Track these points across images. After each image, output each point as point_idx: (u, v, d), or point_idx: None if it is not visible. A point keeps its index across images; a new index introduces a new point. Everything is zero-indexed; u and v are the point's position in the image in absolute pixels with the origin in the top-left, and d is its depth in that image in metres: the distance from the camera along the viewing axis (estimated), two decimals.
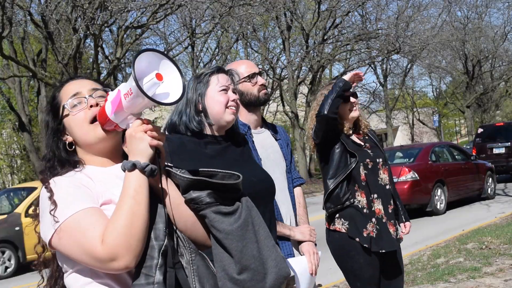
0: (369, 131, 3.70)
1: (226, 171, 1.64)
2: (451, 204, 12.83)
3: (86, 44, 20.58)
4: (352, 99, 3.53)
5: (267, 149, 2.98)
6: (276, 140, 3.08)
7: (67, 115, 1.66)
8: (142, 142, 1.51)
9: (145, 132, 1.52)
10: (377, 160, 3.51)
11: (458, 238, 8.56)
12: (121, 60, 18.69)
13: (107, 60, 21.78)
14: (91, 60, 21.60)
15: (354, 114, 3.55)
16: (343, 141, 3.47)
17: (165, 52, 1.54)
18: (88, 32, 14.95)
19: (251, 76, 2.95)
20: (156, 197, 1.55)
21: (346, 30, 24.28)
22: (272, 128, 3.15)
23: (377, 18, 24.35)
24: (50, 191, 1.55)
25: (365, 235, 3.37)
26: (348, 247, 3.42)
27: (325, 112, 3.34)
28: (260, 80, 2.97)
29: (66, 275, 1.61)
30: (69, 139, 1.68)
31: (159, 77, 1.48)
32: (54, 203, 1.52)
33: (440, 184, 12.38)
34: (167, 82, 1.51)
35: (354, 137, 3.58)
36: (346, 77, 3.43)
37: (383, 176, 3.51)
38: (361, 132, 3.64)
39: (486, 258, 6.75)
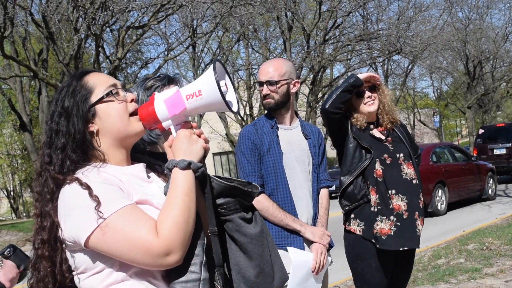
0: (397, 126, 3.53)
1: (241, 180, 1.70)
2: (452, 205, 12.83)
3: (87, 44, 20.58)
4: (367, 93, 3.41)
5: (292, 145, 3.10)
6: (306, 138, 3.17)
7: (107, 101, 1.62)
8: (197, 144, 1.56)
9: (198, 135, 1.58)
10: (397, 155, 3.38)
11: (459, 239, 8.56)
12: (122, 60, 18.69)
13: (108, 60, 21.77)
14: (92, 60, 21.60)
15: (370, 108, 3.42)
16: (355, 136, 3.36)
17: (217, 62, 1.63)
18: (89, 32, 14.94)
19: (258, 85, 3.14)
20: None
21: (347, 31, 24.24)
22: (305, 126, 3.25)
23: (378, 19, 24.31)
24: (87, 187, 1.50)
25: (377, 234, 3.27)
26: (361, 250, 3.32)
27: (326, 107, 3.31)
28: (264, 90, 3.09)
29: (83, 278, 1.55)
30: (94, 127, 1.62)
31: (226, 86, 1.60)
32: (96, 198, 1.47)
33: (440, 185, 12.38)
34: (229, 93, 1.62)
35: (375, 131, 3.46)
36: (362, 75, 3.37)
37: (408, 170, 3.37)
38: (383, 126, 3.49)
39: (487, 259, 6.75)
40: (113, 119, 1.62)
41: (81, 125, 1.59)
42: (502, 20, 41.40)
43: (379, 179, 3.31)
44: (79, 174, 1.55)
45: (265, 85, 3.07)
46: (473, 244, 7.82)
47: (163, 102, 1.58)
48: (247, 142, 3.02)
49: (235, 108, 1.61)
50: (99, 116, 1.62)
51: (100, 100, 1.61)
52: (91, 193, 1.48)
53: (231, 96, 1.63)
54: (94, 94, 1.62)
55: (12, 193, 34.96)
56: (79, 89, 1.63)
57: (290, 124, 3.17)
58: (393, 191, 3.29)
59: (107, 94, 1.62)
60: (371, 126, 3.48)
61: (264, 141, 3.03)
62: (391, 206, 3.27)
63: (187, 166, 1.53)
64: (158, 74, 2.43)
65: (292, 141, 3.11)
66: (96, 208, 1.46)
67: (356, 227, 3.34)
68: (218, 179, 1.63)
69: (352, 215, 3.37)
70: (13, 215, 33.50)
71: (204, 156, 1.60)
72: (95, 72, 1.69)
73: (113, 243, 1.45)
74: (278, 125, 3.12)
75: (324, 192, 3.23)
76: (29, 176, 31.66)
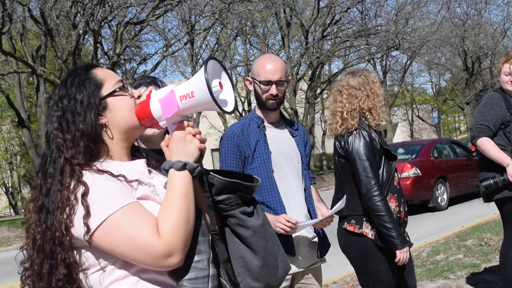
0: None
1: (243, 173, 1.69)
2: (453, 200, 12.85)
3: (85, 40, 20.53)
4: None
5: (280, 144, 3.01)
6: (293, 136, 3.10)
7: (119, 95, 1.62)
8: (191, 144, 1.57)
9: (194, 135, 1.58)
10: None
11: (458, 234, 8.57)
12: (121, 56, 18.66)
13: (106, 56, 21.74)
14: (90, 56, 21.57)
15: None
16: (382, 147, 3.24)
17: (220, 60, 1.61)
18: (87, 28, 14.91)
19: (264, 83, 2.94)
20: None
21: (345, 27, 24.25)
22: (290, 124, 3.17)
23: (377, 15, 24.32)
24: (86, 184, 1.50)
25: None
26: (374, 250, 3.26)
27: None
28: (272, 90, 2.93)
29: (89, 273, 1.54)
30: (104, 120, 1.60)
31: (220, 85, 1.58)
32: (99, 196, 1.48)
33: (442, 180, 12.40)
34: (224, 92, 1.60)
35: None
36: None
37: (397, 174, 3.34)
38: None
39: (485, 255, 6.77)
40: (124, 112, 1.61)
41: (93, 118, 1.57)
42: (500, 15, 41.46)
43: (397, 186, 3.27)
44: (90, 171, 1.55)
45: (274, 85, 2.93)
46: (472, 240, 7.84)
47: (158, 102, 1.58)
48: (230, 144, 2.91)
49: (230, 108, 1.59)
50: (109, 109, 1.61)
51: (112, 94, 1.61)
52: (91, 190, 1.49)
53: (227, 95, 1.60)
54: (104, 87, 1.61)
55: (10, 189, 34.97)
56: (89, 81, 1.61)
57: (276, 122, 3.08)
58: (402, 200, 3.30)
59: (120, 88, 1.62)
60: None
61: (250, 142, 2.92)
62: (399, 215, 3.26)
63: (183, 167, 1.53)
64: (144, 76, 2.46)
65: (280, 139, 3.03)
66: (97, 206, 1.46)
67: (369, 231, 3.25)
68: (218, 176, 1.63)
69: (364, 218, 3.26)
70: (11, 211, 33.50)
71: (201, 156, 1.59)
72: (100, 67, 1.69)
73: (115, 241, 1.45)
74: (265, 124, 3.02)
75: (313, 188, 3.19)
76: (27, 172, 31.65)
